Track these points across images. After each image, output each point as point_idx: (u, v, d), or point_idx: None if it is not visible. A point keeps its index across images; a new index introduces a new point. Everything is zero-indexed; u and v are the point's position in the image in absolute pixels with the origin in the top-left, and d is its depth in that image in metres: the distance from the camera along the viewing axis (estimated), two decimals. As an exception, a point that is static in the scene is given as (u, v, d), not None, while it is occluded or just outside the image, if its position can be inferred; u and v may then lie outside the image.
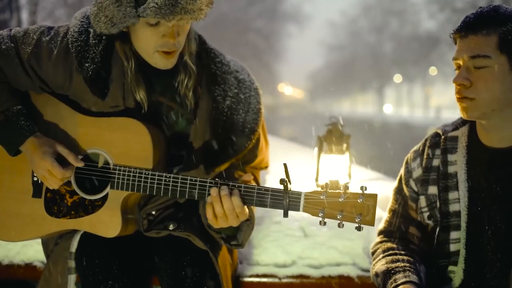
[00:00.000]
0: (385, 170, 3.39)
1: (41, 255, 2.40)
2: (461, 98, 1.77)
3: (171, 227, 2.01)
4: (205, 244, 1.97)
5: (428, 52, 43.11)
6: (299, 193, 1.73)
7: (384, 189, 2.70)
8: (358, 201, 1.68)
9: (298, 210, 1.73)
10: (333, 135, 2.63)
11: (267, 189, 1.77)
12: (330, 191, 1.70)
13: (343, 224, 1.70)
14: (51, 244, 2.10)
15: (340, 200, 1.68)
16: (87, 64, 1.94)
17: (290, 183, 1.74)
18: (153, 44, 1.88)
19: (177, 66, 2.00)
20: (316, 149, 2.67)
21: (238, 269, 2.33)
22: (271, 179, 2.93)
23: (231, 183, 1.79)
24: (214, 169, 2.01)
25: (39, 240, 2.34)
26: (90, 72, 1.93)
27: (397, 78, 54.57)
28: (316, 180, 2.66)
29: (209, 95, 2.04)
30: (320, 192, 1.71)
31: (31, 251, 2.47)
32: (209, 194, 1.79)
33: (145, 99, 1.99)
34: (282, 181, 1.73)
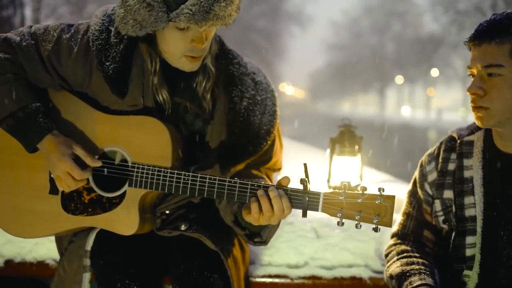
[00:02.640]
0: (387, 171, 3.40)
1: (53, 253, 2.41)
2: (476, 108, 1.78)
3: (182, 227, 2.02)
4: (216, 245, 1.98)
5: (430, 54, 43.11)
6: (318, 193, 1.74)
7: (395, 191, 2.72)
8: (376, 202, 1.69)
9: (317, 210, 1.74)
10: (345, 137, 2.64)
11: (286, 189, 1.77)
12: (348, 192, 1.71)
13: (360, 225, 1.71)
14: (65, 242, 2.11)
15: (358, 201, 1.69)
16: (107, 63, 1.95)
17: (309, 183, 1.75)
18: (181, 48, 1.89)
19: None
20: (328, 150, 2.68)
21: (250, 269, 2.34)
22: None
23: (271, 185, 1.80)
24: (229, 169, 2.03)
25: (52, 238, 2.35)
26: (110, 71, 1.95)
27: (399, 79, 54.58)
28: (328, 181, 2.67)
29: (226, 96, 2.05)
30: (339, 192, 1.72)
31: (43, 249, 2.47)
32: (251, 195, 1.79)
33: (168, 100, 2.01)
34: (302, 181, 1.74)
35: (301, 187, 1.76)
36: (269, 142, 2.11)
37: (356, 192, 1.71)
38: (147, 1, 1.77)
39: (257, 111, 2.09)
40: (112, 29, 1.98)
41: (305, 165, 1.74)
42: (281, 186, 1.79)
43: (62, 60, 1.97)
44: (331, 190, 1.75)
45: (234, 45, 2.20)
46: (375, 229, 1.70)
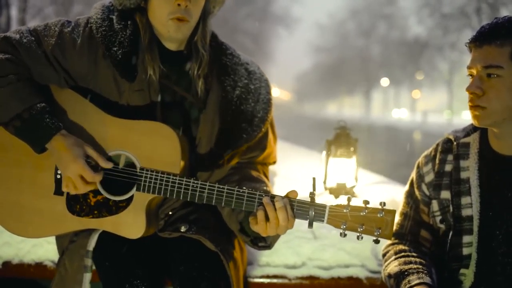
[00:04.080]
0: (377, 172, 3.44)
1: (52, 254, 2.41)
2: (473, 107, 1.82)
3: (182, 229, 2.03)
4: (215, 246, 1.99)
5: (415, 56, 43.45)
6: (324, 206, 1.79)
7: (389, 192, 2.76)
8: (378, 215, 1.75)
9: (322, 222, 1.79)
10: (341, 139, 2.68)
11: (293, 200, 1.81)
12: (352, 205, 1.77)
13: (362, 237, 1.77)
14: (66, 241, 2.10)
15: (361, 214, 1.75)
16: (115, 48, 1.98)
17: (316, 195, 1.81)
18: (167, 9, 1.96)
19: (189, 52, 2.08)
20: (324, 152, 2.72)
21: (248, 270, 2.36)
22: (279, 181, 2.98)
23: (276, 195, 1.83)
24: (223, 156, 2.07)
25: (50, 239, 2.35)
26: (119, 56, 1.98)
27: (384, 81, 54.92)
28: (324, 183, 2.71)
29: (219, 85, 2.09)
30: (344, 205, 1.77)
31: (41, 250, 2.46)
32: (259, 204, 1.82)
33: (156, 73, 2.03)
34: (311, 194, 1.79)
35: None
36: (263, 130, 2.15)
37: (360, 205, 1.76)
38: None
39: (250, 99, 2.13)
40: (113, 17, 2.03)
41: (313, 179, 1.80)
42: (289, 198, 1.83)
43: (66, 53, 1.99)
44: (337, 203, 1.80)
45: None
46: (376, 241, 1.76)
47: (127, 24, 2.03)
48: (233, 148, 2.09)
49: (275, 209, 1.79)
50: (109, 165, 1.92)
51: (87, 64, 2.00)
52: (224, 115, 2.08)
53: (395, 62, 48.66)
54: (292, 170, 3.22)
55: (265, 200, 1.81)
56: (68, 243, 2.09)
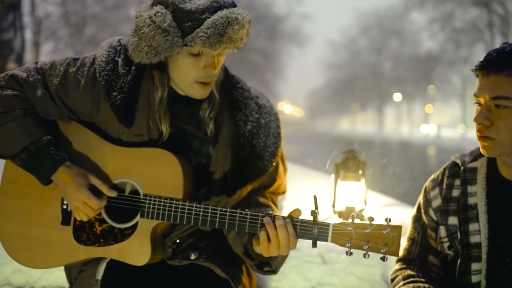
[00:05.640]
0: (386, 190, 3.42)
1: (62, 281, 2.43)
2: (482, 137, 1.79)
3: (192, 256, 2.04)
4: (226, 273, 2.00)
5: (427, 71, 43.33)
6: (327, 224, 1.77)
7: (399, 215, 2.75)
8: (384, 232, 1.72)
9: (326, 240, 1.77)
10: (349, 163, 2.68)
11: (296, 220, 1.81)
12: (356, 222, 1.75)
13: (368, 255, 1.74)
14: (75, 271, 2.12)
15: (366, 231, 1.73)
16: (114, 93, 1.99)
17: (319, 215, 1.79)
18: (194, 74, 1.94)
19: None
20: (332, 176, 2.72)
21: (257, 295, 2.36)
22: (287, 205, 2.97)
23: (279, 215, 1.83)
24: (236, 192, 2.07)
25: (61, 266, 2.37)
26: (118, 101, 1.99)
27: (397, 96, 54.77)
28: (333, 206, 2.71)
29: (231, 120, 2.10)
30: (347, 223, 1.75)
31: (52, 277, 2.49)
32: (262, 225, 1.83)
33: (168, 129, 2.04)
34: (312, 213, 1.78)
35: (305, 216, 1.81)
36: (274, 164, 2.15)
37: (364, 222, 1.74)
38: (163, 27, 1.83)
39: (261, 134, 2.14)
40: (119, 60, 2.03)
41: (315, 197, 1.79)
42: (291, 217, 1.82)
43: (69, 93, 2.02)
44: (340, 221, 1.78)
45: (232, 65, 2.26)
46: (383, 258, 1.73)
47: (130, 69, 2.02)
48: (245, 184, 2.09)
49: (276, 228, 1.79)
50: (113, 194, 1.95)
51: (90, 104, 2.02)
52: (236, 150, 2.09)
53: (408, 77, 48.57)
54: (301, 193, 3.22)
55: (266, 219, 1.82)
56: (77, 273, 2.10)
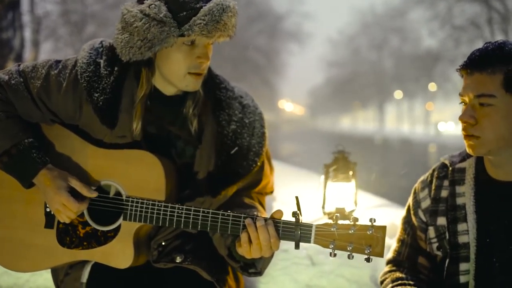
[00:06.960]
0: (388, 188, 3.39)
1: (50, 283, 2.40)
2: (467, 136, 1.79)
3: (178, 259, 2.03)
4: (211, 276, 1.99)
5: (428, 69, 43.29)
6: (310, 225, 1.75)
7: (390, 216, 2.73)
8: (368, 233, 1.70)
9: (309, 242, 1.75)
10: (339, 163, 2.66)
11: (278, 221, 1.79)
12: (340, 223, 1.73)
13: (352, 256, 1.72)
14: (61, 274, 2.11)
15: (350, 232, 1.71)
16: (96, 95, 1.98)
17: (301, 215, 1.77)
18: (187, 65, 1.94)
19: (185, 93, 2.06)
20: (322, 176, 2.70)
21: (245, 298, 2.34)
22: (277, 206, 2.95)
23: (256, 216, 1.82)
24: (220, 192, 2.06)
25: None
26: (100, 103, 1.97)
27: (398, 94, 54.74)
28: (323, 207, 2.68)
29: (214, 120, 2.09)
30: (331, 224, 1.73)
31: (40, 279, 2.48)
32: (244, 227, 1.81)
33: (139, 127, 2.02)
34: (294, 214, 1.76)
35: (293, 219, 1.78)
36: (258, 164, 2.14)
37: (347, 223, 1.72)
38: (158, 19, 1.83)
39: (245, 133, 2.12)
40: (101, 61, 2.01)
41: (296, 198, 1.77)
42: (273, 218, 1.80)
43: (51, 96, 2.00)
44: (324, 221, 1.76)
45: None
46: (367, 259, 1.71)
47: (113, 71, 2.01)
48: (230, 184, 2.08)
49: (257, 229, 1.78)
50: (93, 194, 1.94)
51: (72, 107, 2.01)
52: (220, 150, 2.07)
53: (408, 74, 48.46)
54: (291, 194, 3.20)
55: (247, 221, 1.80)
56: (63, 276, 2.09)
